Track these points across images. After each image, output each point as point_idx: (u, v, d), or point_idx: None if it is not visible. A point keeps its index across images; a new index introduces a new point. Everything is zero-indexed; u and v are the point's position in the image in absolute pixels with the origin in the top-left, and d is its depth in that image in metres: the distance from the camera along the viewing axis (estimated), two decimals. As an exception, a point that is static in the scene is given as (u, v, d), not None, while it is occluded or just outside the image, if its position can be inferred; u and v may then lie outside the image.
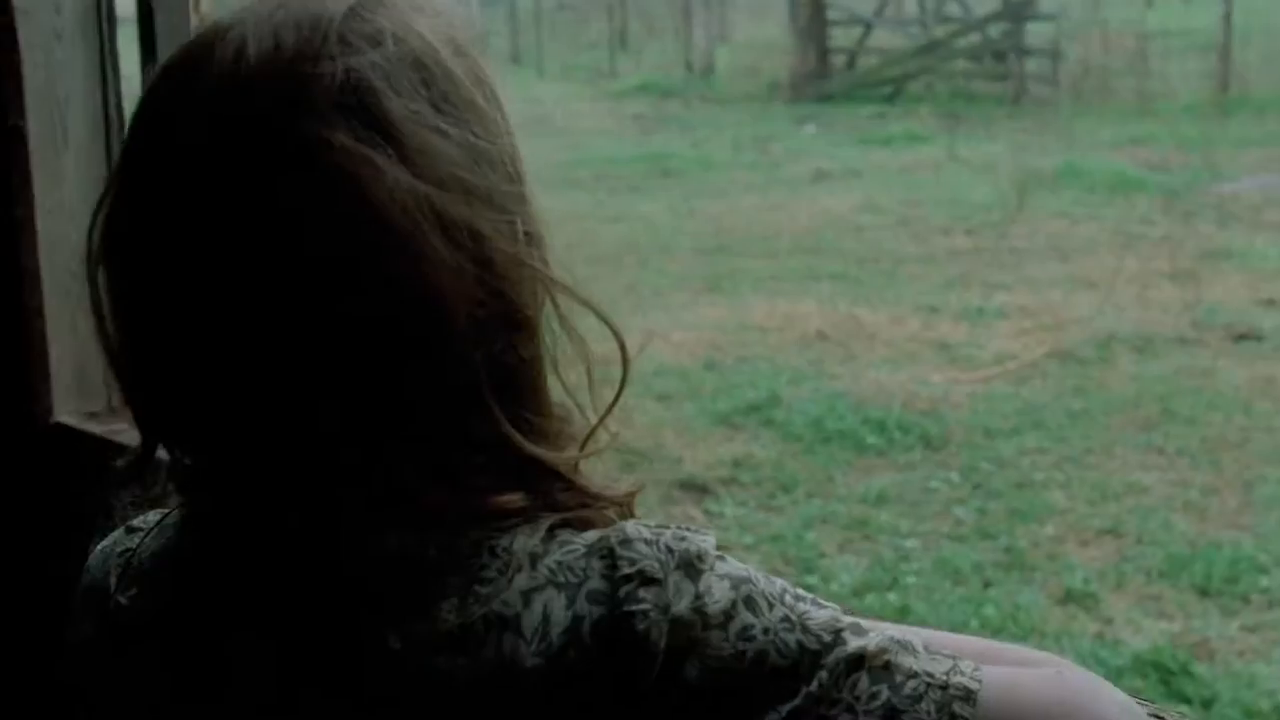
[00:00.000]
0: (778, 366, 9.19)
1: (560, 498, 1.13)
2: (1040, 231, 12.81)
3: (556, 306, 1.17)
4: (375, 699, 1.08)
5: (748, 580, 1.08)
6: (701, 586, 1.06)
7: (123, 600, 1.21)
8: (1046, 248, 12.25)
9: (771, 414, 8.28)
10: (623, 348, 1.22)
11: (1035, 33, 21.87)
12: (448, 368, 1.06)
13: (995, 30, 22.01)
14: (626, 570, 1.05)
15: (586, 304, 1.18)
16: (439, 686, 1.06)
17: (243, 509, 1.13)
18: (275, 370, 1.05)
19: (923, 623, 5.83)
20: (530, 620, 1.05)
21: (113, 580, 1.23)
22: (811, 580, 6.23)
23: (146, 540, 1.23)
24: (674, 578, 1.05)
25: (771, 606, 1.08)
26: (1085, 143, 16.74)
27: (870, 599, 6.08)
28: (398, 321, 1.04)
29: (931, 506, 7.13)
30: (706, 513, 7.06)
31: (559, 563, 1.07)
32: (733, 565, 1.09)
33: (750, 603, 1.07)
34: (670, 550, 1.06)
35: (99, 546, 1.27)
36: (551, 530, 1.10)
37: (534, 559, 1.07)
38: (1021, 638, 5.72)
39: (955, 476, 7.44)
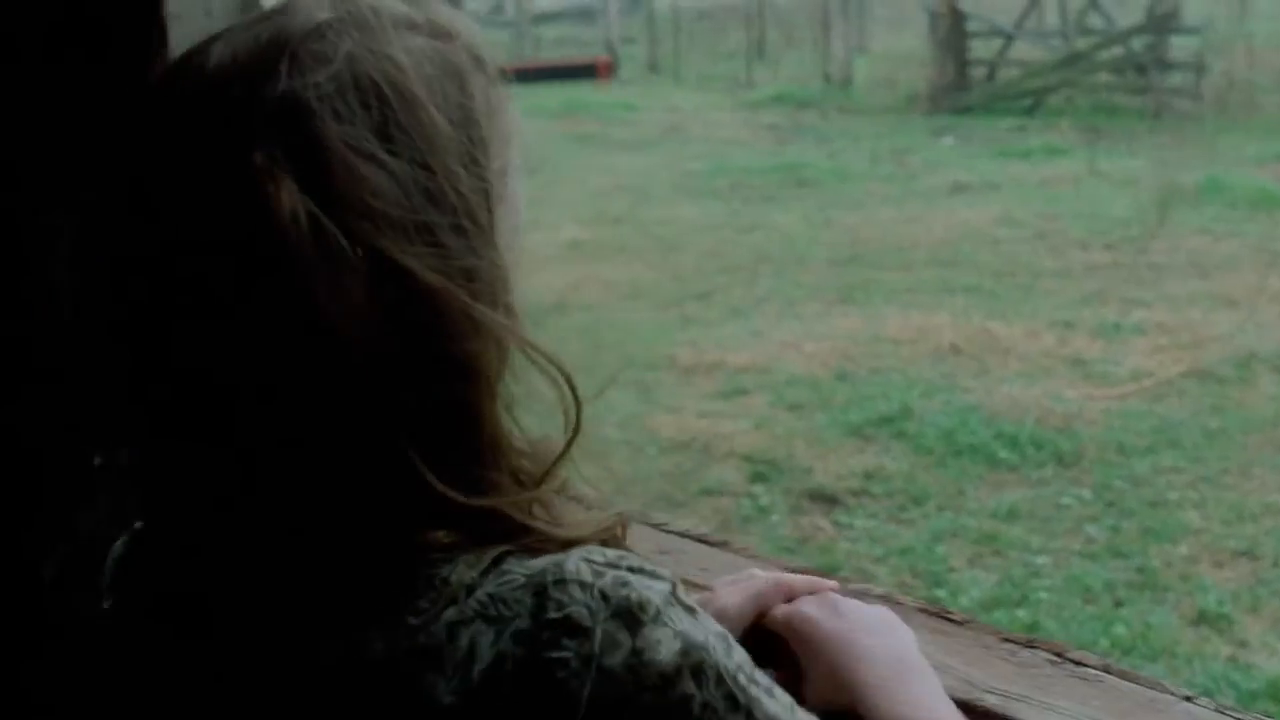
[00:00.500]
0: (910, 379, 9.16)
1: (509, 534, 1.08)
2: (1181, 247, 12.61)
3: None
4: (302, 714, 1.07)
5: (701, 647, 1.02)
6: (640, 641, 1.00)
7: (106, 604, 1.24)
8: (1187, 264, 12.06)
9: (903, 426, 8.26)
10: (572, 391, 1.13)
11: (1179, 46, 21.55)
12: (348, 404, 1.03)
13: (1138, 43, 21.71)
14: (553, 614, 1.00)
15: (527, 348, 1.11)
16: (358, 713, 1.04)
17: (175, 517, 1.13)
18: (189, 371, 1.06)
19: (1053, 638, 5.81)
20: (453, 655, 1.01)
21: (106, 582, 1.25)
22: (940, 594, 6.20)
23: (117, 547, 1.26)
24: (606, 628, 1.00)
25: (719, 682, 1.02)
26: (1228, 158, 16.47)
27: (999, 614, 6.04)
28: (291, 348, 1.03)
29: (1063, 523, 7.06)
30: (836, 524, 7.07)
31: (491, 595, 1.03)
32: (688, 624, 1.03)
33: (697, 672, 1.01)
34: (606, 598, 1.00)
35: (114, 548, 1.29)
36: (498, 559, 1.06)
37: (469, 590, 1.03)
38: (1152, 659, 5.67)
39: (1088, 494, 7.37)
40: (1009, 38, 23.28)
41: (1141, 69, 21.52)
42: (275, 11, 1.12)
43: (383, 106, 1.06)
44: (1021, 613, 6.10)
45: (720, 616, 1.45)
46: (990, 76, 22.94)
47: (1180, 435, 8.08)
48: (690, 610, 1.04)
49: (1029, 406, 8.52)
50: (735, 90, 25.37)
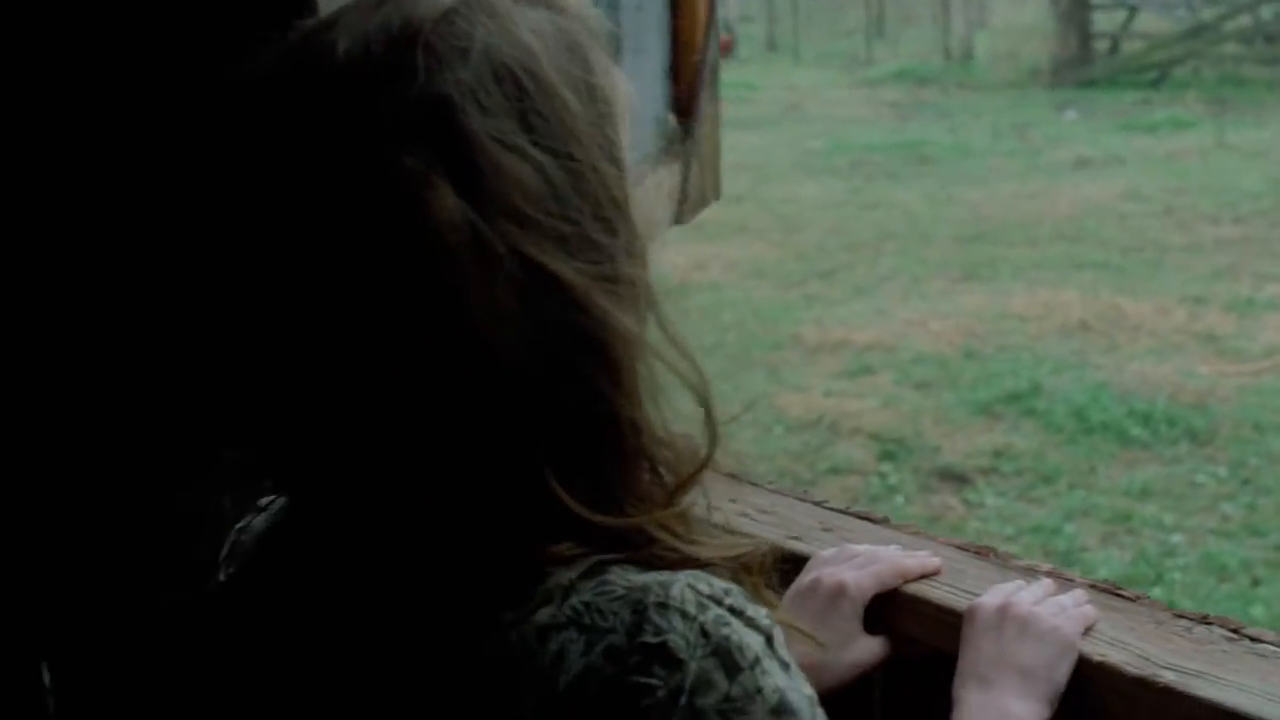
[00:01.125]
0: (1038, 356, 9.06)
1: (634, 545, 1.06)
2: (1314, 220, 12.38)
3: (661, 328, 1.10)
4: (391, 703, 1.06)
5: (792, 711, 0.99)
6: (737, 690, 0.97)
7: (222, 576, 1.26)
8: (1322, 238, 11.84)
9: (1032, 404, 8.17)
10: (709, 413, 1.10)
11: (1310, 14, 21.13)
12: (488, 410, 1.01)
13: (1267, 11, 21.30)
14: (649, 638, 0.97)
15: (666, 359, 1.08)
16: (442, 709, 1.03)
17: (309, 508, 1.14)
18: (325, 375, 1.03)
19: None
20: (540, 660, 0.99)
21: (224, 555, 1.27)
22: (1073, 574, 6.14)
23: (257, 521, 1.26)
24: (702, 665, 0.97)
25: None
26: (1362, 128, 16.14)
27: (1134, 593, 5.98)
28: (438, 353, 1.00)
29: (1198, 501, 6.96)
30: (965, 502, 7.02)
31: (588, 603, 1.00)
32: (782, 679, 1.00)
33: None
34: (706, 634, 0.97)
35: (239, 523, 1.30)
36: (600, 565, 1.03)
37: (564, 593, 1.01)
38: (1292, 637, 5.57)
39: (1223, 471, 7.26)
40: (1133, 9, 22.91)
41: (1270, 39, 21.12)
42: None
43: (521, 95, 1.04)
44: (1157, 591, 6.01)
45: (840, 591, 1.50)
46: (1114, 49, 22.59)
47: (1318, 412, 7.93)
48: (785, 665, 1.01)
49: (1161, 383, 8.40)
50: (854, 68, 25.20)
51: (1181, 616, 1.47)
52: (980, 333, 9.63)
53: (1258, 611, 5.81)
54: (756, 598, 1.06)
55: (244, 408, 1.11)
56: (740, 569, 1.10)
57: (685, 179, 2.73)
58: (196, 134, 1.27)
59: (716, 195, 3.02)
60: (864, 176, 15.59)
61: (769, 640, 1.01)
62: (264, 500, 1.28)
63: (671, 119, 2.76)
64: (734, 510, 1.76)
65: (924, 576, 1.59)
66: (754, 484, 1.85)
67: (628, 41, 2.48)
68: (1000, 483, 7.28)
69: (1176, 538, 6.57)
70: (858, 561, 1.60)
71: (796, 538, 1.70)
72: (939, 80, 22.71)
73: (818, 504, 1.79)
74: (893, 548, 1.63)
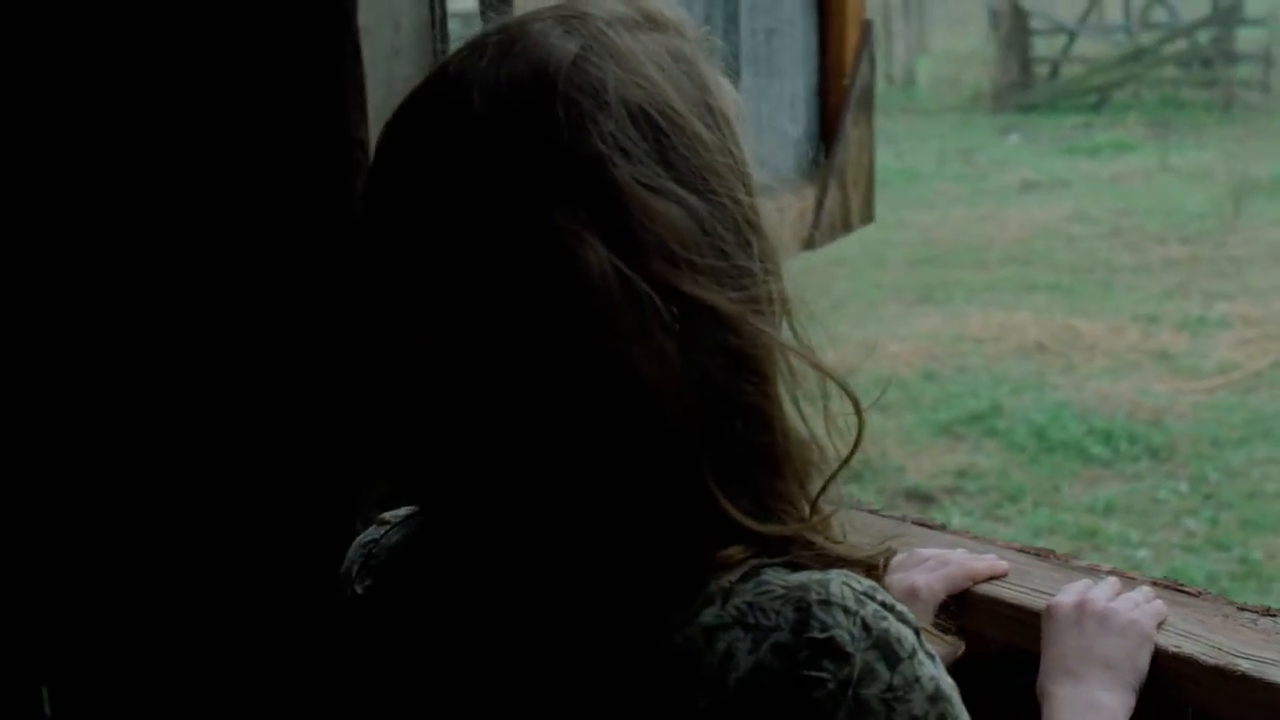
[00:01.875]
0: (997, 377, 9.17)
1: (795, 556, 1.09)
2: (1260, 239, 12.55)
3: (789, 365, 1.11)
4: (557, 707, 1.09)
5: (947, 699, 1.04)
6: (898, 678, 1.01)
7: (359, 590, 1.27)
8: (1267, 256, 11.99)
9: (994, 424, 8.28)
10: (859, 412, 1.15)
11: (1245, 37, 21.41)
12: (658, 448, 1.03)
13: (1203, 36, 21.59)
14: (816, 634, 1.01)
15: (827, 372, 1.13)
16: (614, 711, 1.06)
17: (462, 529, 1.15)
18: (489, 415, 1.05)
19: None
20: (709, 660, 1.02)
21: (354, 569, 1.29)
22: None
23: (389, 535, 1.29)
24: (866, 657, 1.01)
25: None
26: (1301, 149, 16.37)
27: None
28: (600, 399, 1.02)
29: (1161, 517, 7.06)
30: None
31: (750, 604, 1.03)
32: (934, 669, 1.04)
33: None
34: (867, 628, 1.01)
35: (358, 538, 1.33)
36: (757, 568, 1.06)
37: (725, 595, 1.04)
38: (1263, 647, 5.66)
39: (1184, 487, 7.36)
40: (1072, 34, 23.18)
41: (1207, 62, 21.40)
42: (510, 39, 1.09)
43: (658, 135, 1.05)
44: (1127, 606, 6.09)
45: (913, 594, 1.56)
46: (1054, 74, 22.84)
47: (1273, 426, 8.06)
48: (932, 656, 1.05)
49: (1119, 401, 8.52)
50: (797, 94, 25.32)
51: (1245, 609, 1.53)
52: (938, 355, 9.72)
53: (1225, 624, 5.89)
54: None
55: (400, 431, 1.13)
56: (869, 570, 1.13)
57: (820, 203, 2.74)
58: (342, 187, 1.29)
59: (865, 220, 3.03)
60: (813, 202, 15.65)
61: (917, 633, 1.05)
62: (389, 515, 1.31)
63: (812, 142, 2.78)
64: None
65: (992, 578, 1.64)
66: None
67: (760, 65, 2.52)
68: (966, 502, 7.36)
69: (1142, 553, 6.66)
70: (928, 565, 1.65)
71: (865, 546, 1.74)
72: (883, 106, 22.74)
73: (873, 513, 1.85)
74: (959, 551, 1.69)
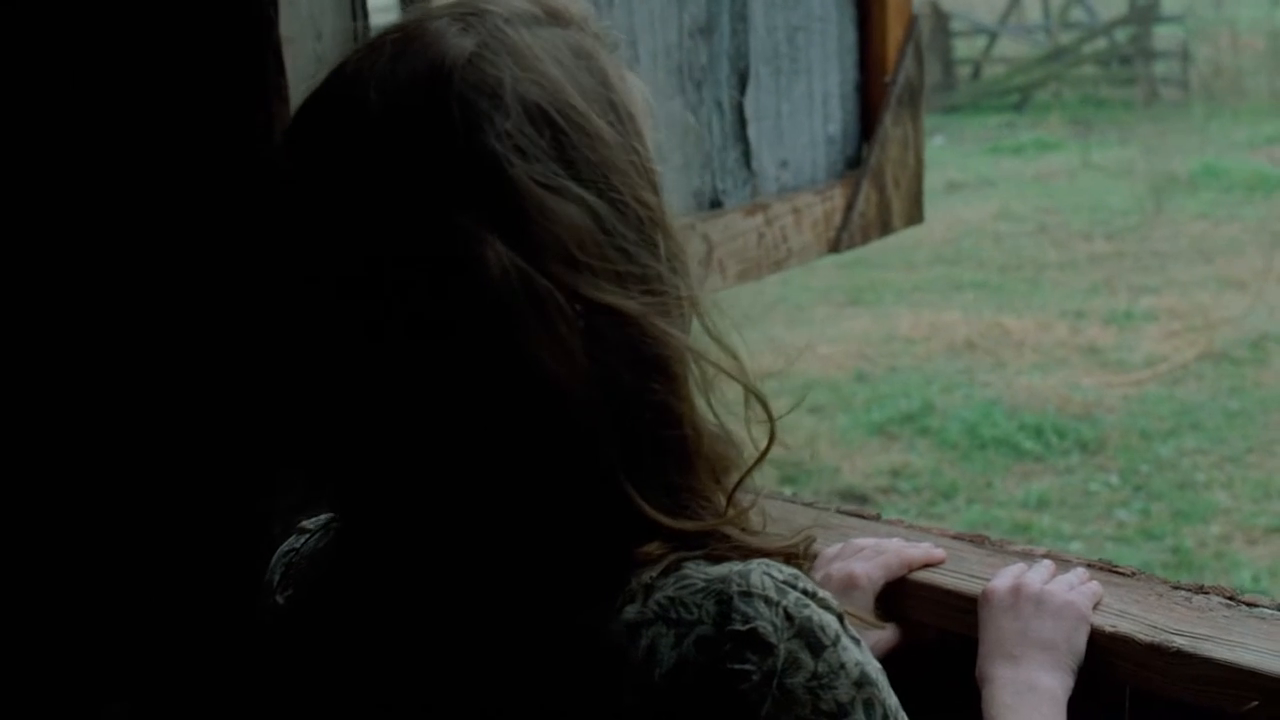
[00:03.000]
0: (928, 375, 9.22)
1: (713, 549, 1.09)
2: (1182, 234, 12.69)
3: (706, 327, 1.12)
4: (487, 706, 1.08)
5: (872, 683, 1.04)
6: (822, 667, 1.02)
7: (280, 600, 1.27)
8: (1190, 250, 12.13)
9: (926, 423, 8.33)
10: (768, 412, 1.16)
11: (1162, 35, 21.61)
12: (568, 447, 1.03)
13: (1122, 34, 21.77)
14: (738, 626, 1.01)
15: (730, 374, 1.13)
16: (539, 709, 1.06)
17: (378, 534, 1.14)
18: (396, 414, 1.05)
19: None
20: (633, 655, 1.02)
21: (275, 579, 1.29)
22: (979, 584, 6.25)
23: (308, 542, 1.29)
24: (789, 647, 1.01)
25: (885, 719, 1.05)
26: (1220, 144, 16.51)
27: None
28: (506, 398, 1.02)
29: (1093, 509, 7.13)
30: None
31: (672, 598, 1.04)
32: (858, 654, 1.05)
33: (869, 706, 1.03)
34: (790, 617, 1.02)
35: (280, 546, 1.32)
36: (677, 562, 1.06)
37: (647, 591, 1.04)
38: (1197, 635, 5.71)
39: (1115, 479, 7.44)
40: (992, 35, 23.31)
41: (1126, 60, 21.58)
42: (408, 38, 1.08)
43: (555, 133, 1.04)
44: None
45: (852, 583, 1.57)
46: (976, 74, 22.97)
47: (1201, 417, 8.15)
48: (856, 641, 1.06)
49: (1049, 396, 8.59)
50: (722, 101, 25.36)
51: (1179, 587, 1.55)
52: (869, 356, 9.77)
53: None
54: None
55: (311, 436, 1.12)
56: (789, 559, 1.13)
57: (851, 204, 2.72)
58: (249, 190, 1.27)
59: (911, 220, 2.98)
60: (741, 207, 15.68)
61: (841, 618, 1.06)
62: (309, 522, 1.30)
63: (850, 141, 2.75)
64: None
65: (929, 565, 1.65)
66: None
67: (781, 63, 2.50)
68: (900, 500, 7.39)
69: (1075, 545, 6.70)
70: (865, 554, 1.66)
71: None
72: (807, 111, 22.90)
73: (809, 505, 1.85)
74: (896, 539, 1.70)
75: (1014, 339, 9.91)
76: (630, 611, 1.04)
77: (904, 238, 12.83)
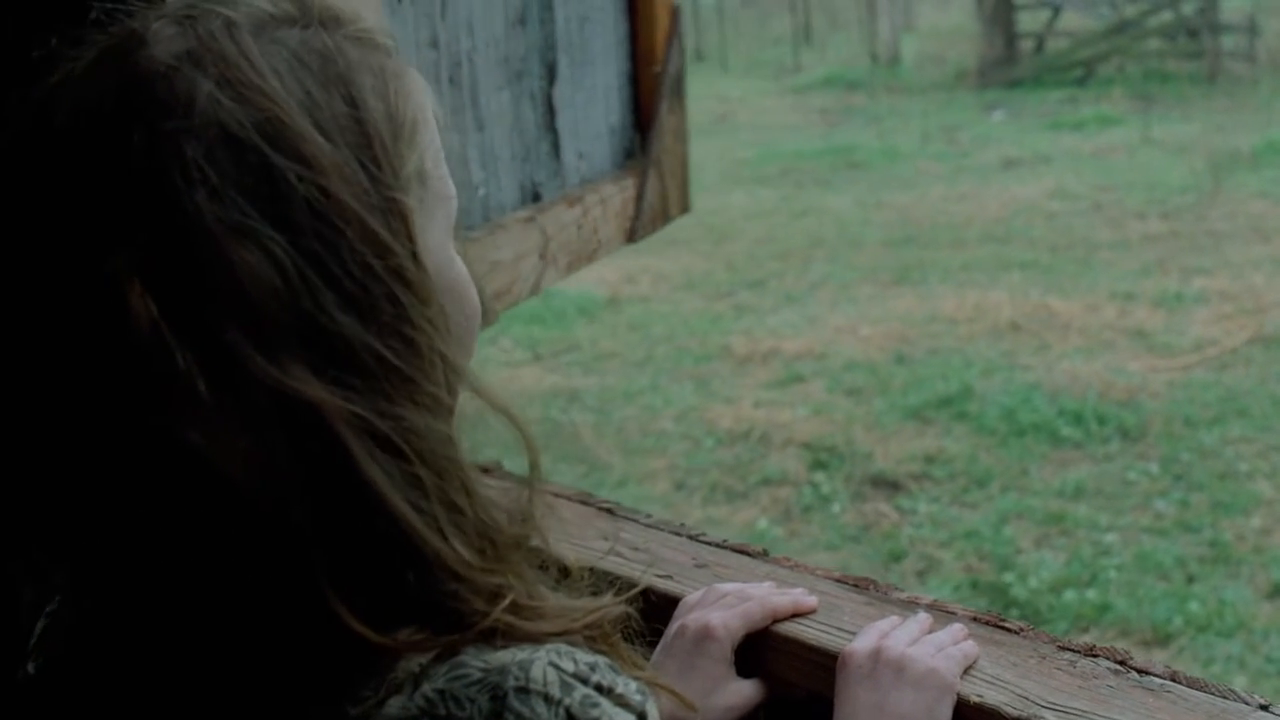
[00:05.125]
0: (969, 358, 9.03)
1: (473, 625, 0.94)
2: (1240, 213, 12.42)
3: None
4: None
5: None
6: None
7: (30, 669, 1.13)
8: (1247, 229, 11.87)
9: (964, 407, 8.14)
10: (534, 464, 1.00)
11: (1230, 8, 21.27)
12: (244, 544, 0.89)
13: (1189, 7, 21.43)
14: None
15: (496, 404, 0.97)
16: None
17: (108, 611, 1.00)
18: (81, 498, 0.92)
19: (1124, 620, 5.69)
20: None
21: (33, 643, 1.15)
22: (1008, 577, 6.10)
23: (61, 608, 1.14)
24: None
25: None
26: (1286, 119, 16.22)
27: (1069, 595, 5.94)
28: (165, 490, 0.89)
29: (1131, 499, 6.93)
30: (898, 509, 6.96)
31: (441, 691, 0.90)
32: None
33: None
34: (572, 718, 0.89)
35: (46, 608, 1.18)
36: (454, 646, 0.92)
37: (416, 681, 0.91)
38: (1227, 635, 5.54)
39: (1155, 468, 7.23)
40: (1056, 8, 23.01)
41: (1193, 33, 21.25)
42: (122, 39, 0.94)
43: (260, 159, 0.89)
44: (1091, 593, 5.98)
45: (708, 634, 1.41)
46: (1039, 48, 22.67)
47: (1248, 404, 7.93)
48: None
49: (1091, 381, 8.38)
50: (782, 75, 25.19)
51: (1066, 649, 1.39)
52: (911, 337, 9.59)
53: (1194, 607, 5.78)
54: (618, 659, 0.98)
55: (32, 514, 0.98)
56: (596, 633, 0.99)
57: (640, 194, 2.65)
58: None
59: (684, 209, 2.94)
60: (793, 184, 15.55)
61: (641, 717, 0.93)
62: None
63: (627, 133, 2.68)
64: (603, 548, 1.66)
65: (797, 615, 1.50)
66: (631, 518, 1.75)
67: (571, 54, 2.40)
68: (933, 488, 7.23)
69: (1110, 537, 6.54)
70: (726, 601, 1.51)
71: (667, 576, 1.61)
72: (867, 85, 22.69)
73: (694, 538, 1.70)
74: (765, 585, 1.54)
75: (1060, 321, 9.69)
76: (394, 706, 0.90)
77: (954, 216, 12.75)
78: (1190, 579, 6.09)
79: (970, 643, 1.41)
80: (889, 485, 7.30)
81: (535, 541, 1.01)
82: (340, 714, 0.90)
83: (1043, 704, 1.29)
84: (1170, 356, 8.86)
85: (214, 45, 0.92)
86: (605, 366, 9.54)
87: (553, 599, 0.98)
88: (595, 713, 0.89)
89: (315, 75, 0.94)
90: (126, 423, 0.88)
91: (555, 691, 0.89)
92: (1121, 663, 1.34)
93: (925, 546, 6.56)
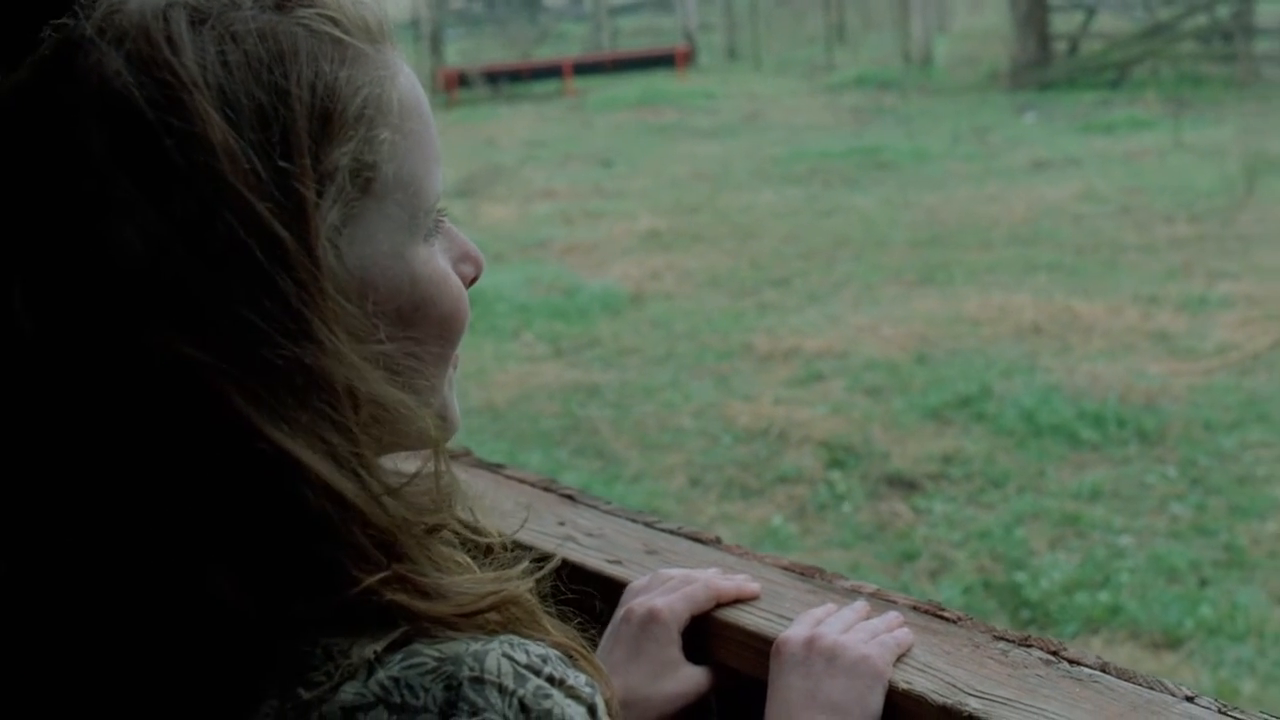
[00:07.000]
0: (990, 359, 9.00)
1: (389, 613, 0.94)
2: (1269, 217, 12.36)
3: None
4: None
5: None
6: None
7: None
8: (1276, 234, 11.80)
9: (983, 408, 8.11)
10: (436, 450, 1.00)
11: (1265, 12, 21.15)
12: (126, 511, 0.91)
13: (1223, 10, 21.33)
14: (464, 717, 0.89)
15: (394, 403, 0.97)
16: None
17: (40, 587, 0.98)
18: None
19: (1135, 623, 5.67)
20: None
21: None
22: (1020, 578, 6.09)
23: None
24: None
25: None
26: (1319, 125, 16.15)
27: (1081, 597, 5.92)
28: (53, 460, 0.92)
29: (1147, 502, 6.91)
30: (914, 509, 6.95)
31: (396, 679, 0.90)
32: None
33: None
34: (525, 709, 0.90)
35: None
36: (409, 634, 0.93)
37: (370, 668, 0.91)
38: (1239, 639, 5.52)
39: (1173, 471, 7.20)
40: (1091, 10, 22.95)
41: (1227, 37, 21.16)
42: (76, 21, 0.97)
43: (149, 134, 0.91)
44: (1104, 595, 5.96)
45: (654, 618, 1.42)
46: (1072, 51, 22.61)
47: (1269, 409, 7.89)
48: None
49: (1112, 384, 8.35)
50: (815, 74, 25.17)
51: (1001, 638, 1.38)
52: (932, 337, 9.57)
53: (1206, 611, 5.75)
54: (535, 627, 0.99)
55: None
56: (510, 608, 0.99)
57: None
58: None
59: None
60: (821, 183, 15.54)
61: (591, 710, 0.94)
62: None
63: None
64: (560, 534, 1.67)
65: (741, 600, 1.50)
66: (590, 504, 1.76)
67: None
68: (949, 488, 7.21)
69: (1125, 539, 6.52)
70: (671, 585, 1.51)
71: (617, 562, 1.61)
72: (899, 85, 22.66)
73: (649, 525, 1.71)
74: (710, 570, 1.54)
75: (1083, 323, 9.66)
76: (348, 691, 0.90)
77: (981, 217, 12.72)
78: (1203, 582, 6.07)
79: (905, 630, 1.41)
80: (905, 484, 7.28)
81: (452, 524, 1.02)
82: (292, 696, 0.91)
83: (969, 691, 1.28)
84: (1192, 360, 8.83)
85: (142, 23, 0.94)
86: (626, 362, 9.55)
87: (458, 581, 0.98)
88: (548, 704, 0.91)
89: (244, 58, 0.94)
90: (9, 397, 0.91)
91: (509, 682, 0.90)
92: (1054, 653, 1.33)
93: (939, 546, 6.55)
